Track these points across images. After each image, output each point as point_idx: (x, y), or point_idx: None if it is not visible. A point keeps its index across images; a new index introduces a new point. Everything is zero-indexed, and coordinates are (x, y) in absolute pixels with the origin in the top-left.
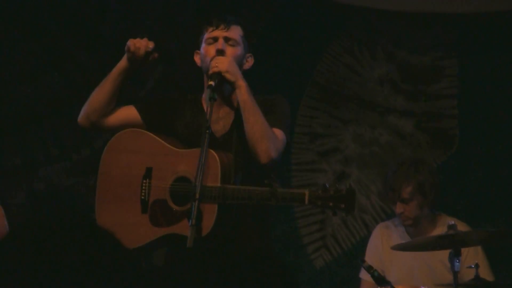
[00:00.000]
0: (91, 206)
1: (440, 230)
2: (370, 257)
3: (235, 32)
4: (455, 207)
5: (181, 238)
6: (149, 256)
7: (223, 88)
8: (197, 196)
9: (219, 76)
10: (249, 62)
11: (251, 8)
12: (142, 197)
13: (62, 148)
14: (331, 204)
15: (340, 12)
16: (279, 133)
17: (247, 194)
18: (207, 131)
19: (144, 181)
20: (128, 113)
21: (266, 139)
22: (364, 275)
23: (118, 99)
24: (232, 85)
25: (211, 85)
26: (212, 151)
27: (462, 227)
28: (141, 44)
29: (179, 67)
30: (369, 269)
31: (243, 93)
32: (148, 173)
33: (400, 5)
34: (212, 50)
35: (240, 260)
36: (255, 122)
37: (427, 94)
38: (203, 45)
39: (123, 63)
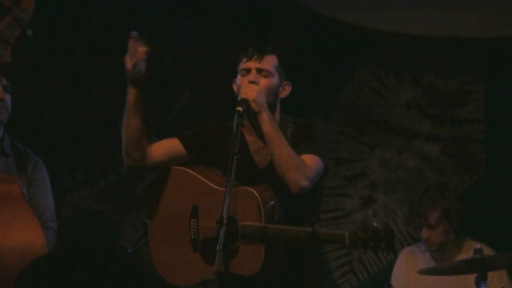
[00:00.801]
0: (117, 232)
1: (465, 254)
2: (396, 281)
3: (269, 62)
4: (481, 232)
5: (233, 276)
6: None
7: (255, 115)
8: (224, 221)
9: (247, 103)
10: (286, 90)
11: (280, 33)
12: (192, 236)
13: (89, 174)
14: (371, 244)
15: (367, 36)
16: (312, 160)
17: (288, 234)
18: (235, 156)
19: (192, 220)
20: (172, 145)
21: (294, 169)
22: None
23: (147, 124)
24: (256, 115)
25: (238, 110)
26: (250, 189)
27: (488, 251)
28: (136, 55)
29: (206, 92)
30: None
31: (266, 125)
32: (194, 212)
33: (427, 30)
34: (245, 81)
35: None
36: (280, 154)
37: (454, 119)
38: (238, 76)
39: (131, 94)
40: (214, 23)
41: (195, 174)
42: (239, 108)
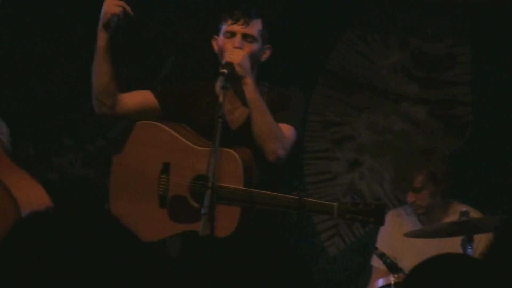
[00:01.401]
0: (105, 197)
1: (452, 217)
2: (382, 244)
3: (254, 27)
4: (468, 194)
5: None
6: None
7: (238, 79)
8: (210, 184)
9: (232, 66)
10: (266, 54)
11: None
12: (161, 192)
13: (76, 139)
14: (360, 217)
15: (354, 0)
16: (288, 129)
17: (274, 200)
18: (220, 119)
19: (162, 176)
20: (145, 97)
21: (274, 138)
22: (375, 262)
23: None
24: (240, 80)
25: (223, 72)
26: (232, 151)
27: (474, 214)
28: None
29: (192, 57)
30: (382, 256)
31: (249, 91)
32: (166, 169)
33: None
34: (229, 45)
35: (253, 253)
36: (262, 122)
37: (440, 82)
38: (221, 36)
39: (102, 38)
40: None
41: (169, 130)
42: (224, 71)
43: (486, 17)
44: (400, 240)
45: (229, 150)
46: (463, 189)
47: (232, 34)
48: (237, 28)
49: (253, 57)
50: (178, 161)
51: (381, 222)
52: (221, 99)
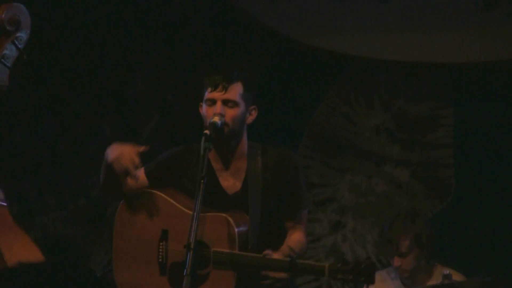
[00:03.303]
0: (87, 256)
1: (436, 280)
2: None
3: (234, 91)
4: (451, 257)
5: None
6: None
7: (230, 143)
8: (192, 246)
9: (214, 127)
10: (252, 115)
11: (249, 57)
12: (160, 260)
13: (59, 197)
14: (351, 277)
15: (337, 61)
16: (305, 216)
17: (265, 263)
18: (202, 180)
19: (161, 243)
20: (140, 177)
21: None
22: None
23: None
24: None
25: (206, 134)
26: (228, 217)
27: (457, 277)
28: (127, 163)
29: (176, 117)
30: None
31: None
32: (164, 235)
33: (397, 55)
34: (211, 112)
35: None
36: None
37: (423, 144)
38: (204, 104)
39: (111, 174)
40: (185, 47)
41: (165, 197)
42: (207, 131)
43: (469, 79)
44: None
45: (221, 214)
46: (446, 252)
47: (213, 102)
48: (217, 95)
49: (237, 121)
50: (176, 227)
51: (372, 281)
52: (202, 160)
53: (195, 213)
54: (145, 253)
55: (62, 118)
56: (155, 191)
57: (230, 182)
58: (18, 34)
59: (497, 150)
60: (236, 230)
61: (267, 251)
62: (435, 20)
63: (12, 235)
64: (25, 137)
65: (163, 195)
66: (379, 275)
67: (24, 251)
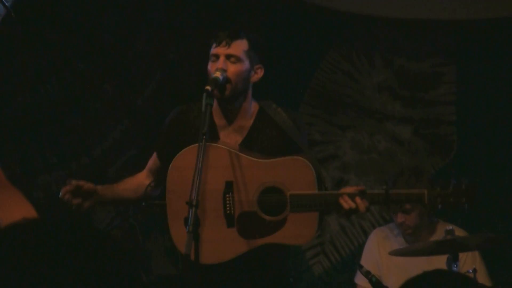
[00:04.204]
0: (88, 214)
1: (438, 236)
2: (367, 262)
3: (238, 47)
4: (453, 213)
5: (281, 246)
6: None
7: (234, 102)
8: (194, 202)
9: (216, 82)
10: (258, 74)
11: (251, 16)
12: (228, 212)
13: (61, 157)
14: (451, 200)
15: (339, 19)
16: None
17: (361, 195)
18: (204, 136)
19: (227, 195)
20: (155, 162)
21: None
22: (359, 280)
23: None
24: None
25: (207, 90)
26: (303, 159)
27: (459, 232)
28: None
29: (177, 75)
30: (367, 274)
31: None
32: (229, 188)
33: (399, 12)
34: (214, 68)
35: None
36: None
37: (425, 101)
38: (209, 61)
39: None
40: (186, 5)
41: (224, 147)
42: (208, 87)
43: (471, 35)
44: (386, 258)
45: (297, 157)
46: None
47: (217, 57)
48: (220, 50)
49: (240, 78)
50: (240, 177)
51: (473, 201)
52: (204, 115)
53: (197, 169)
54: (207, 207)
55: (64, 78)
56: (213, 144)
57: (231, 140)
58: None
59: (499, 107)
60: (313, 170)
61: (343, 189)
62: None
63: (6, 193)
64: (27, 97)
65: (221, 145)
66: (382, 232)
67: (17, 209)
